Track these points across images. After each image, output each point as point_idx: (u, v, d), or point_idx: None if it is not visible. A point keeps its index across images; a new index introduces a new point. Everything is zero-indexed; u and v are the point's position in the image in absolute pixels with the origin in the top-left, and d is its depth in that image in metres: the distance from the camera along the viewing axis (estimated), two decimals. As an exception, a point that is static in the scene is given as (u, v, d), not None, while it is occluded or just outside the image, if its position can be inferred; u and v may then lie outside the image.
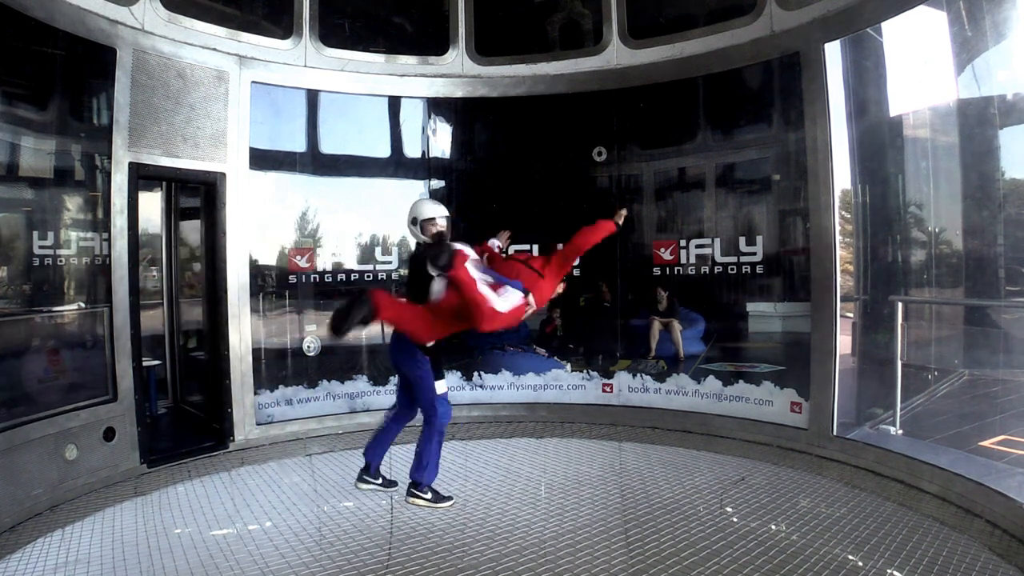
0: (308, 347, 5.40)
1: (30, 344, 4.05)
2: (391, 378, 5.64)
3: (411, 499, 3.74)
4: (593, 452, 4.68)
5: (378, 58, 5.53)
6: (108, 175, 4.21)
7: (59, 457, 3.83)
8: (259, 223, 5.14)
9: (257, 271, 5.15)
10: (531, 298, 3.50)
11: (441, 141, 5.90)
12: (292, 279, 5.37)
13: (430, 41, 5.69)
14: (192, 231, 6.04)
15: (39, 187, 4.20)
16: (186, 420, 5.71)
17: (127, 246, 4.25)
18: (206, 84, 4.68)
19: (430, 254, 3.31)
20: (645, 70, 5.33)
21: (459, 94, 5.66)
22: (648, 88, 5.36)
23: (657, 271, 5.46)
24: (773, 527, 3.34)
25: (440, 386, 3.68)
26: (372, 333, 5.76)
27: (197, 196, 5.42)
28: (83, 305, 4.27)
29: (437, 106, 5.76)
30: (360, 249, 5.70)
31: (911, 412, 4.66)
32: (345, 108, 5.52)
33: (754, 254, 5.03)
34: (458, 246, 3.41)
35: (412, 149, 5.82)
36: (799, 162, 4.68)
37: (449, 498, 3.77)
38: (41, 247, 4.05)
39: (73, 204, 4.35)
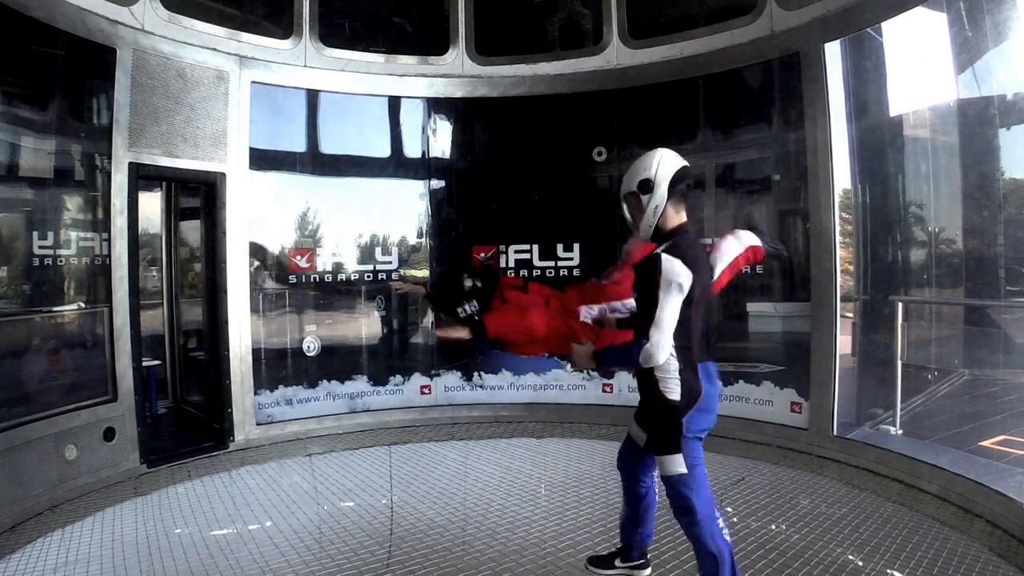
0: (308, 347, 5.41)
1: (30, 344, 4.05)
2: (391, 378, 5.65)
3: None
4: (593, 452, 4.67)
5: (378, 58, 5.53)
6: (108, 175, 4.21)
7: (59, 457, 3.83)
8: (259, 223, 5.14)
9: (257, 271, 5.16)
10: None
11: (441, 141, 5.90)
12: (292, 279, 5.37)
13: (430, 41, 5.69)
14: (192, 231, 6.04)
15: (39, 187, 4.21)
16: (186, 420, 5.71)
17: (127, 246, 4.25)
18: (206, 84, 4.68)
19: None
20: (645, 70, 5.33)
21: (459, 94, 5.66)
22: (648, 88, 5.36)
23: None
24: (773, 527, 3.34)
25: None
26: (373, 332, 5.77)
27: (197, 196, 5.42)
28: (83, 305, 4.27)
29: (437, 106, 5.76)
30: (360, 249, 5.70)
31: (911, 412, 4.66)
32: (345, 108, 5.52)
33: (754, 254, 5.03)
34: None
35: (412, 149, 5.82)
36: (799, 162, 4.68)
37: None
38: (41, 247, 4.05)
39: (73, 204, 4.35)
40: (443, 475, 4.27)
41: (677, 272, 2.16)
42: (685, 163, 2.36)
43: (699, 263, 2.27)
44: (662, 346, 2.18)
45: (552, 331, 2.87)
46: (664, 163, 2.33)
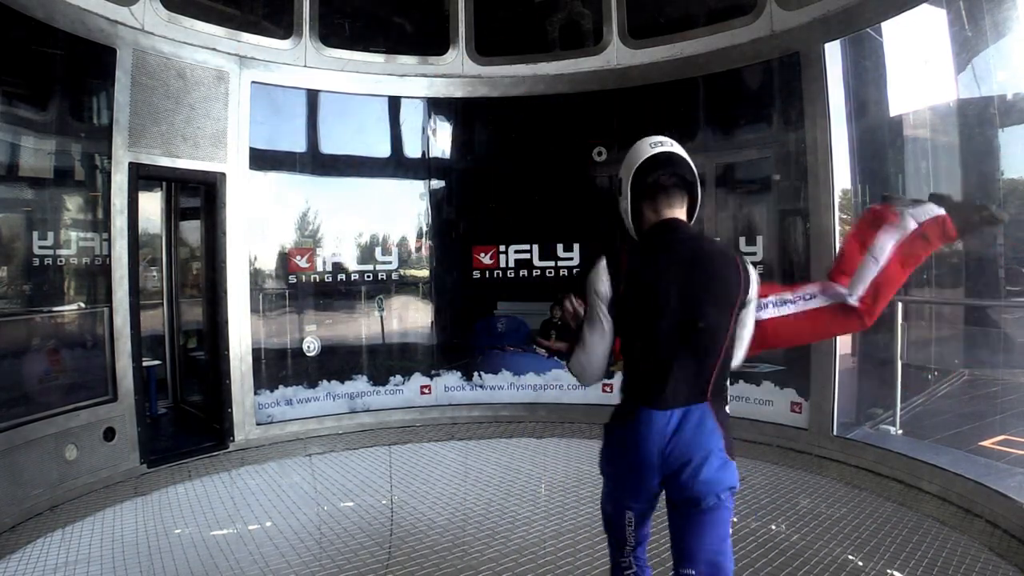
0: (308, 347, 5.41)
1: (30, 344, 4.06)
2: (391, 378, 5.64)
3: None
4: (593, 452, 4.63)
5: (378, 58, 5.52)
6: (108, 175, 4.21)
7: (59, 457, 3.83)
8: (259, 223, 5.14)
9: (257, 271, 5.16)
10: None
11: (441, 141, 5.90)
12: (292, 279, 5.37)
13: (430, 41, 5.69)
14: (192, 231, 6.04)
15: (39, 187, 4.21)
16: (186, 420, 5.71)
17: (127, 246, 4.24)
18: (206, 84, 4.68)
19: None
20: (645, 70, 5.32)
21: (459, 94, 5.65)
22: (648, 88, 5.35)
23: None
24: (773, 527, 3.34)
25: None
26: (373, 332, 5.77)
27: (197, 196, 5.42)
28: (83, 305, 4.27)
29: (437, 106, 5.75)
30: (360, 249, 5.69)
31: (911, 412, 4.66)
32: (345, 108, 5.52)
33: (754, 254, 5.03)
34: None
35: (412, 149, 5.82)
36: (799, 162, 4.67)
37: None
38: (41, 247, 4.05)
39: (73, 204, 4.36)
40: (443, 475, 4.27)
41: (595, 278, 1.84)
42: (658, 151, 1.88)
43: (640, 274, 1.80)
44: (582, 365, 1.93)
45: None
46: (628, 157, 1.93)
